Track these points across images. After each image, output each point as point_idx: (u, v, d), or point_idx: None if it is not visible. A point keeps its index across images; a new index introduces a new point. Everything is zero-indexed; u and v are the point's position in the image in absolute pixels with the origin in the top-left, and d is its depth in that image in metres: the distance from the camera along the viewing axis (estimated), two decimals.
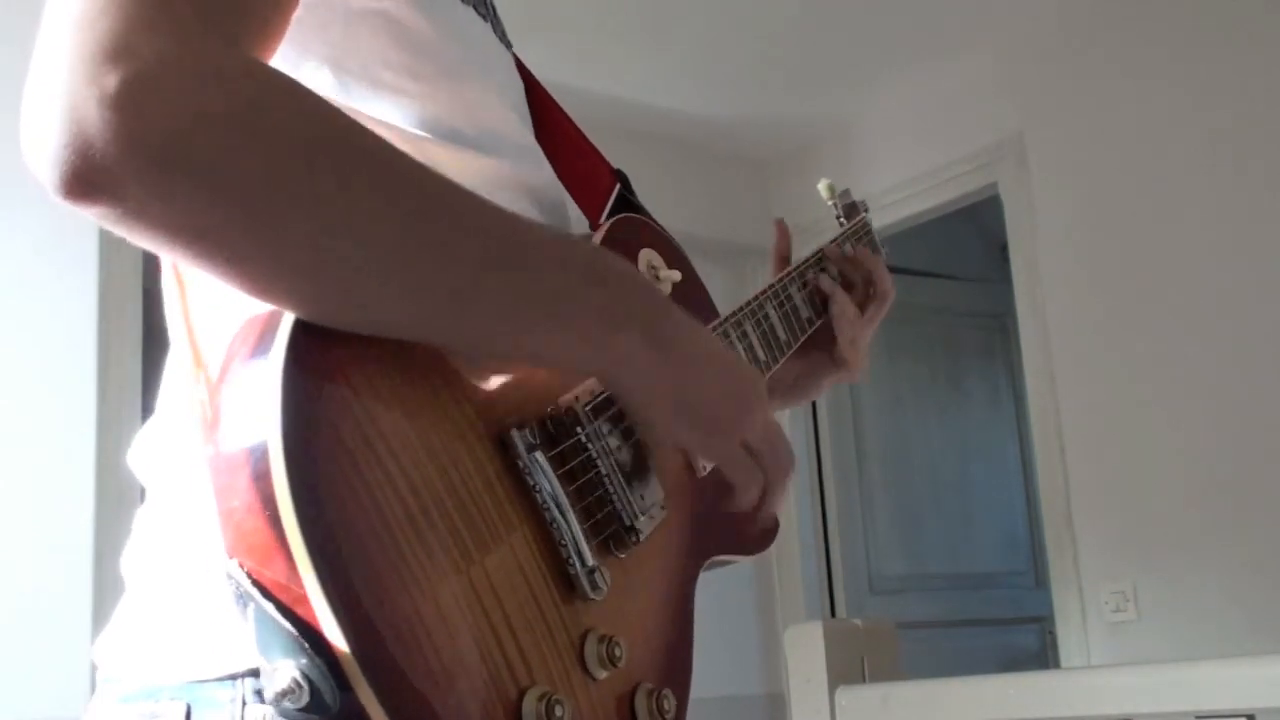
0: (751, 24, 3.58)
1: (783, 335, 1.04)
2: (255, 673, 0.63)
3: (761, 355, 1.00)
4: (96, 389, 2.88)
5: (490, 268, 0.62)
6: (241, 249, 0.55)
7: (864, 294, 1.13)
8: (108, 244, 2.94)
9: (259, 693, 0.62)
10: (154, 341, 2.75)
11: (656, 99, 4.00)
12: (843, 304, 1.09)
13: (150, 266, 2.93)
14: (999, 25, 3.64)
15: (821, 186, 1.28)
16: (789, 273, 1.10)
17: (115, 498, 2.79)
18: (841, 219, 1.26)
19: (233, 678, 0.64)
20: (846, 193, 1.29)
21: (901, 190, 4.06)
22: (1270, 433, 3.08)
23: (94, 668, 0.73)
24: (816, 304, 1.10)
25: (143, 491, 0.76)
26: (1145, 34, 3.43)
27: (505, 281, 0.63)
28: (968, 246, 4.79)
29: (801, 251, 1.16)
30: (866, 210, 1.28)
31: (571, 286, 0.66)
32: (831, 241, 1.17)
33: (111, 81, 0.51)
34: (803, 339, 1.08)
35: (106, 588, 2.73)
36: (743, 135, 4.30)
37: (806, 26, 3.62)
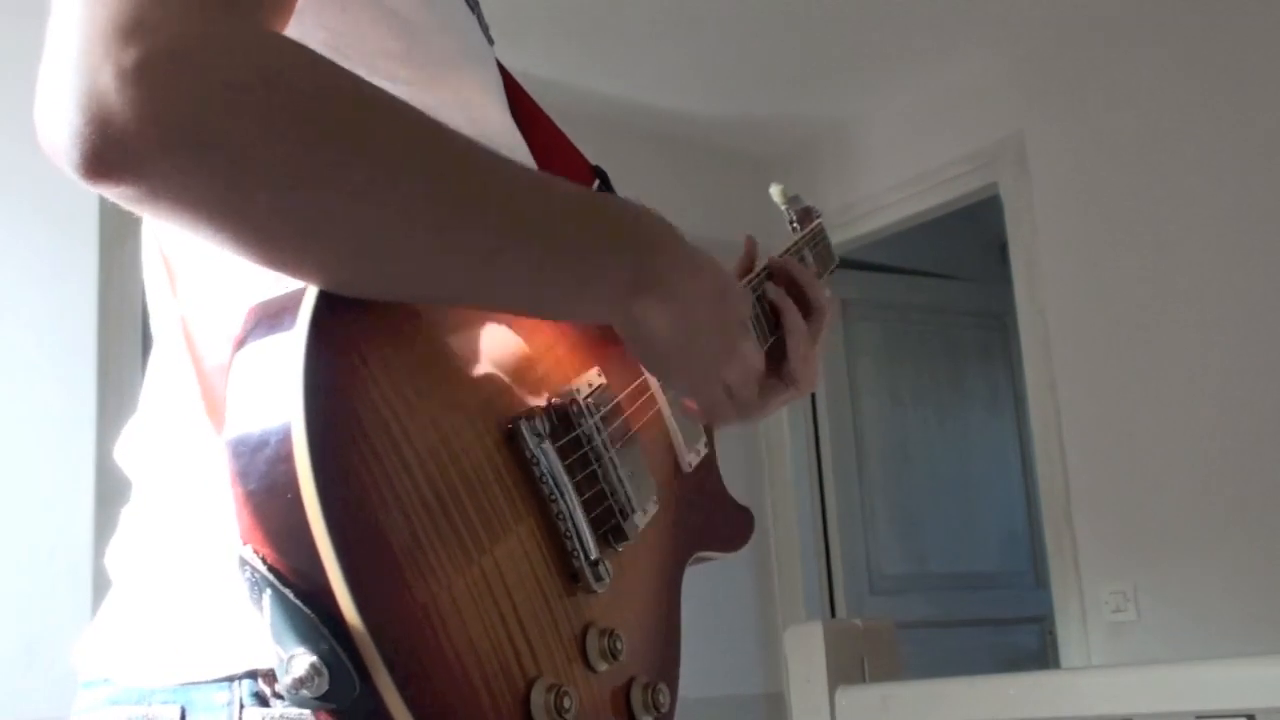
0: (752, 24, 3.58)
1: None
2: (253, 675, 0.62)
3: None
4: (96, 389, 2.87)
5: (518, 229, 0.62)
6: (267, 223, 0.54)
7: (806, 310, 1.05)
8: (108, 245, 2.93)
9: (257, 695, 0.62)
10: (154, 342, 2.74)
11: (657, 99, 4.00)
12: (794, 319, 1.01)
13: None
14: (999, 25, 3.64)
15: (774, 191, 1.25)
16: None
17: (115, 498, 2.78)
18: (795, 225, 1.21)
19: (229, 679, 0.63)
20: (798, 198, 1.25)
21: (901, 190, 4.06)
22: (1271, 432, 3.08)
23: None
24: (769, 320, 1.03)
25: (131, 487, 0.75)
26: (1145, 34, 3.43)
27: (532, 243, 0.63)
28: (968, 246, 4.78)
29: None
30: (820, 215, 1.24)
31: (598, 251, 0.67)
32: (784, 251, 1.11)
33: (129, 57, 0.50)
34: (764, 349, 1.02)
35: (106, 588, 2.72)
36: (743, 135, 4.29)
37: (807, 26, 3.62)
